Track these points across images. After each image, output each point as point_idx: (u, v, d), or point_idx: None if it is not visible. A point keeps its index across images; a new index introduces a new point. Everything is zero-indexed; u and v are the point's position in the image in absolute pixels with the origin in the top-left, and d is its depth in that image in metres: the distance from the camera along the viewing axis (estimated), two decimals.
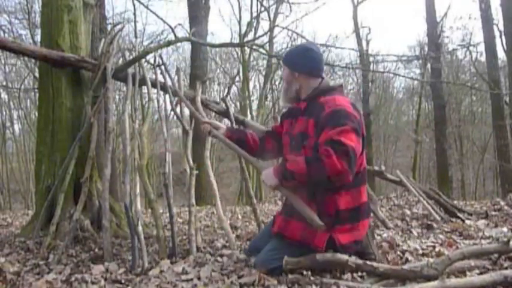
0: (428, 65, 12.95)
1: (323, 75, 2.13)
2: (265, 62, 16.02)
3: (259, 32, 14.02)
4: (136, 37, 12.99)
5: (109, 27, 6.85)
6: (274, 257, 1.96)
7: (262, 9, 13.26)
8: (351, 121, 1.87)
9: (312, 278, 1.87)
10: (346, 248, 1.93)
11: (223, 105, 3.60)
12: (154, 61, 3.80)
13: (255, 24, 13.99)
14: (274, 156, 2.43)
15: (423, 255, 2.29)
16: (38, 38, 9.07)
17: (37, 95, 8.03)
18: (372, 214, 3.56)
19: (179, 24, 15.26)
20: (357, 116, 1.91)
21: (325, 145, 1.82)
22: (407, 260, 2.18)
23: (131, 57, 3.59)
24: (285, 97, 2.21)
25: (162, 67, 3.64)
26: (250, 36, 13.70)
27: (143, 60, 3.54)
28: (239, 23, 14.90)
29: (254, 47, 7.86)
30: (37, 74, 7.78)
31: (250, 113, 14.39)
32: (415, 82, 15.61)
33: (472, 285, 1.67)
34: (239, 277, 1.95)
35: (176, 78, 3.64)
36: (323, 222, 1.84)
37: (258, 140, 2.36)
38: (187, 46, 14.90)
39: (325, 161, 1.79)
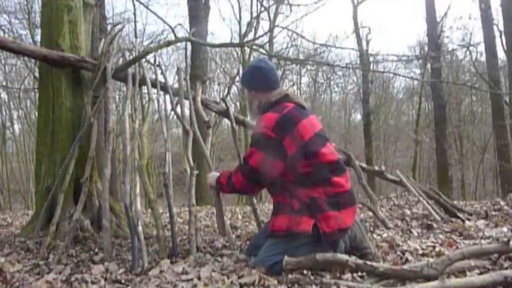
0: (428, 65, 12.96)
1: (273, 87, 2.27)
2: None
3: (259, 32, 14.04)
4: (136, 37, 13.02)
5: (109, 27, 6.85)
6: (270, 254, 2.04)
7: (262, 9, 13.27)
8: (261, 143, 2.10)
9: (312, 277, 1.88)
10: (329, 235, 2.02)
11: (223, 105, 3.60)
12: (154, 61, 3.80)
13: (255, 24, 13.99)
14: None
15: (423, 255, 2.29)
16: (38, 38, 9.08)
17: (37, 95, 8.03)
18: (371, 214, 3.57)
19: (179, 24, 15.31)
20: (273, 137, 2.07)
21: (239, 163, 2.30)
22: (407, 260, 2.18)
23: (131, 57, 3.59)
24: (251, 114, 2.50)
25: (162, 67, 3.64)
26: (250, 36, 13.71)
27: (143, 60, 3.54)
28: (239, 23, 14.92)
29: (254, 47, 7.86)
30: (37, 74, 7.78)
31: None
32: (415, 82, 15.64)
33: (472, 285, 1.66)
34: (239, 277, 1.95)
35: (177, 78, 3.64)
36: (299, 210, 2.03)
37: None
38: (187, 46, 14.89)
39: (233, 180, 2.23)
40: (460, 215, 3.60)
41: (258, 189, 2.35)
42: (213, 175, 2.43)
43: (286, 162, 2.07)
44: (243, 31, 14.23)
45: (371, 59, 14.50)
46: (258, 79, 2.28)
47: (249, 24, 13.89)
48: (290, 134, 2.08)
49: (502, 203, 4.19)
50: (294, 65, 15.82)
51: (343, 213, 2.07)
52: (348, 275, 1.90)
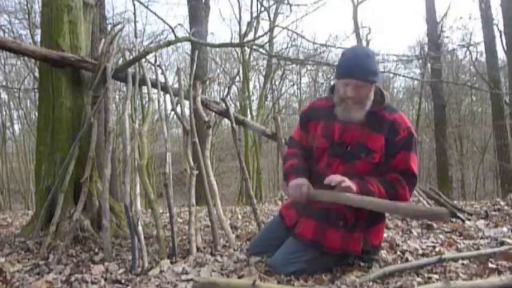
0: (428, 65, 12.95)
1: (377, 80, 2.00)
2: (265, 62, 16.02)
3: (259, 32, 14.03)
4: (136, 37, 13.00)
5: (109, 27, 6.85)
6: (296, 260, 1.96)
7: (262, 9, 13.27)
8: (416, 146, 1.96)
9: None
10: (376, 247, 2.03)
11: (223, 105, 3.60)
12: (155, 61, 3.80)
13: (255, 24, 13.99)
14: None
15: (423, 255, 2.29)
16: (38, 38, 9.06)
17: (37, 95, 8.03)
18: None
19: (179, 24, 15.27)
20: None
21: (401, 174, 1.92)
22: (407, 260, 2.18)
23: (131, 57, 3.59)
24: (363, 110, 1.99)
25: (163, 67, 3.64)
26: (250, 36, 13.70)
27: (143, 60, 3.54)
28: (239, 23, 14.89)
29: (254, 47, 7.85)
30: (37, 74, 7.78)
31: (250, 113, 14.39)
32: (415, 82, 15.61)
33: None
34: (239, 277, 1.95)
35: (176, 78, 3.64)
36: (361, 226, 1.92)
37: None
38: (187, 46, 14.91)
39: (399, 192, 1.91)
40: (460, 215, 3.60)
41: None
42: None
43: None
44: (243, 31, 14.21)
45: None
46: (376, 68, 2.00)
47: (249, 24, 13.88)
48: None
49: (502, 203, 4.18)
50: (294, 65, 15.82)
51: (384, 224, 2.10)
52: (347, 276, 1.89)
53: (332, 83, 2.19)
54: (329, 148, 2.02)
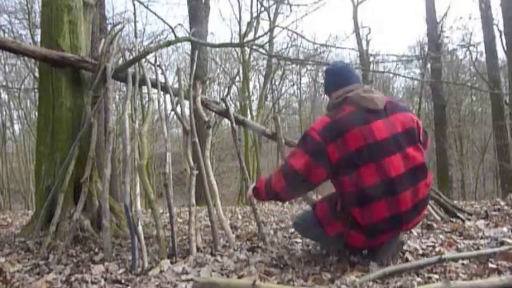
0: (428, 65, 12.95)
1: (341, 87, 2.12)
2: (265, 62, 16.03)
3: (259, 32, 14.05)
4: (136, 37, 13.01)
5: (109, 27, 6.85)
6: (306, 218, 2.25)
7: (262, 9, 13.28)
8: (305, 144, 2.01)
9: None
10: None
11: (223, 105, 3.60)
12: (155, 61, 3.80)
13: (255, 24, 14.00)
14: None
15: (423, 255, 2.29)
16: (38, 38, 9.07)
17: (37, 95, 8.03)
18: None
19: (179, 24, 15.30)
20: (318, 140, 1.96)
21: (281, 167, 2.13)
22: (407, 260, 2.18)
23: (131, 57, 3.59)
24: None
25: (163, 67, 3.64)
26: (250, 36, 13.70)
27: (143, 60, 3.54)
28: (239, 23, 14.90)
29: (254, 47, 7.86)
30: (37, 74, 7.78)
31: (250, 113, 14.39)
32: (415, 82, 15.62)
33: None
34: (239, 277, 1.95)
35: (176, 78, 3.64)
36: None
37: None
38: (187, 46, 14.91)
39: (272, 181, 2.10)
40: (460, 215, 3.60)
41: (295, 196, 2.31)
42: (252, 186, 2.34)
43: (329, 169, 1.96)
44: (243, 31, 14.22)
45: (371, 59, 14.51)
46: (325, 83, 2.27)
47: (249, 24, 13.89)
48: (337, 140, 1.93)
49: (502, 203, 4.18)
50: (294, 65, 15.83)
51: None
52: (347, 276, 1.89)
53: (350, 92, 2.22)
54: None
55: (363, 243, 2.07)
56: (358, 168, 1.92)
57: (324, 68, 2.29)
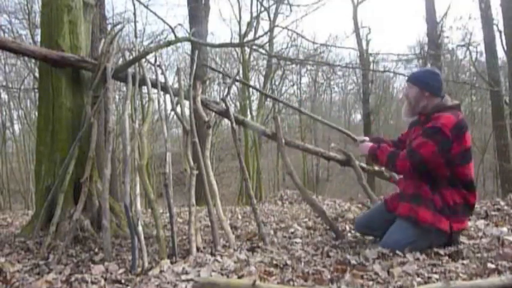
0: (429, 65, 12.95)
1: (443, 94, 2.56)
2: (265, 62, 16.04)
3: (259, 32, 14.04)
4: (136, 37, 13.00)
5: (109, 27, 6.85)
6: (403, 238, 2.36)
7: (262, 9, 13.27)
8: (437, 137, 2.36)
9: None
10: (458, 233, 2.45)
11: (223, 105, 3.60)
12: (155, 61, 3.80)
13: (255, 24, 13.99)
14: None
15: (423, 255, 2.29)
16: (38, 38, 9.07)
17: (37, 95, 8.03)
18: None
19: (179, 24, 15.28)
20: (449, 136, 2.35)
21: (407, 151, 2.48)
22: (403, 263, 2.17)
23: (131, 57, 3.59)
24: (410, 111, 2.66)
25: (163, 67, 3.64)
26: (250, 36, 13.70)
27: (143, 60, 3.54)
28: (239, 23, 14.88)
29: (254, 47, 7.87)
30: (37, 74, 7.78)
31: (250, 113, 14.40)
32: None
33: None
34: (239, 277, 1.95)
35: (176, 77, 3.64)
36: (441, 210, 2.36)
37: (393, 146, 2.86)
38: (187, 46, 14.91)
39: (397, 163, 2.51)
40: None
41: (410, 176, 2.53)
42: (366, 145, 2.79)
43: (446, 160, 2.37)
44: (243, 31, 14.22)
45: (371, 58, 14.53)
46: (436, 83, 2.55)
47: (249, 24, 13.89)
48: (460, 138, 2.38)
49: (502, 203, 4.17)
50: (294, 65, 15.84)
51: (467, 220, 2.53)
52: (347, 276, 1.89)
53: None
54: None
55: (465, 224, 2.51)
56: (468, 162, 2.47)
57: (434, 70, 2.70)
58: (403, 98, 2.72)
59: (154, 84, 3.44)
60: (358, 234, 2.96)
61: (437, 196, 2.38)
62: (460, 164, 2.42)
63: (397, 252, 2.28)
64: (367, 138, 2.99)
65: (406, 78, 2.78)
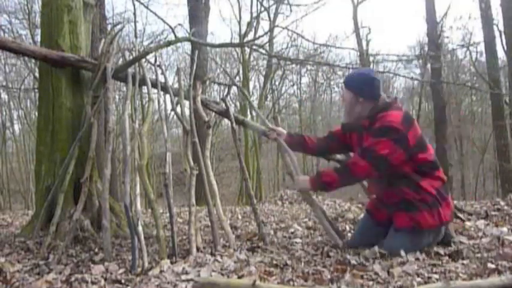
0: (428, 65, 12.95)
1: (380, 94, 2.51)
2: (265, 62, 16.03)
3: (259, 32, 14.05)
4: (136, 37, 13.02)
5: (109, 27, 6.85)
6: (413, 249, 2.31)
7: (262, 9, 13.28)
8: (390, 135, 2.32)
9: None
10: (446, 223, 2.42)
11: (223, 105, 3.60)
12: (155, 61, 3.80)
13: (255, 24, 14.00)
14: (336, 154, 3.13)
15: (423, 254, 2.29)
16: (38, 38, 9.07)
17: (37, 95, 8.03)
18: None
19: (179, 24, 15.27)
20: (402, 130, 2.33)
21: (359, 153, 2.43)
22: (403, 263, 2.17)
23: (131, 57, 3.59)
24: (347, 116, 2.63)
25: (163, 67, 3.64)
26: (250, 36, 13.71)
27: (143, 60, 3.54)
28: (239, 23, 14.90)
29: (254, 47, 7.86)
30: (37, 74, 7.78)
31: (250, 113, 14.39)
32: (415, 82, 15.62)
33: None
34: (239, 277, 1.95)
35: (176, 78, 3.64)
36: (432, 203, 2.33)
37: (316, 142, 2.84)
38: (187, 46, 14.90)
39: (351, 169, 2.42)
40: (460, 215, 3.59)
41: (378, 177, 2.47)
42: (303, 179, 2.63)
43: (407, 153, 2.34)
44: (243, 31, 14.22)
45: (371, 59, 14.52)
46: (372, 89, 2.49)
47: (249, 24, 13.89)
48: (412, 128, 2.37)
49: (502, 203, 4.18)
50: (294, 65, 15.83)
51: (451, 199, 2.50)
52: (347, 276, 1.89)
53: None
54: None
55: (451, 203, 2.49)
56: (426, 147, 2.44)
57: (369, 73, 2.62)
58: (342, 103, 2.74)
59: (154, 84, 3.44)
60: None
61: (421, 192, 2.35)
62: (420, 152, 2.40)
63: (402, 253, 2.26)
64: (283, 131, 2.91)
65: (343, 80, 2.75)
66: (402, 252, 2.26)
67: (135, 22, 13.09)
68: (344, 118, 2.69)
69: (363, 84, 2.50)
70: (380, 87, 2.52)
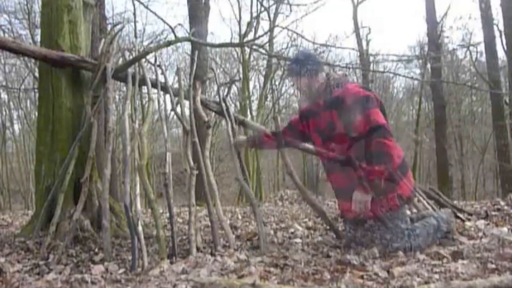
0: (429, 65, 12.95)
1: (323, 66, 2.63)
2: (265, 62, 16.02)
3: (259, 32, 14.03)
4: (136, 37, 13.01)
5: (109, 27, 6.85)
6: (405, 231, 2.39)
7: (262, 9, 13.28)
8: (369, 104, 2.36)
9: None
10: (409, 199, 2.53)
11: (223, 105, 3.60)
12: (155, 61, 3.80)
13: (255, 24, 13.99)
14: (294, 144, 3.00)
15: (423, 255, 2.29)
16: (38, 38, 9.06)
17: (37, 95, 8.03)
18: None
19: (179, 24, 15.28)
20: (370, 95, 2.40)
21: (373, 134, 2.32)
22: (403, 263, 2.17)
23: (131, 57, 3.59)
24: (311, 97, 2.64)
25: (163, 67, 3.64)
26: (250, 36, 13.70)
27: (143, 60, 3.54)
28: (239, 23, 14.89)
29: (254, 47, 7.86)
30: (37, 74, 7.77)
31: (250, 113, 14.40)
32: (415, 82, 15.63)
33: None
34: (239, 277, 1.95)
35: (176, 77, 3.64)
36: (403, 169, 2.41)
37: (273, 136, 2.93)
38: (187, 46, 14.90)
39: (386, 151, 2.31)
40: (460, 215, 3.60)
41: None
42: (360, 193, 2.39)
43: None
44: (243, 31, 14.22)
45: (371, 59, 14.51)
46: (315, 62, 2.63)
47: (249, 24, 13.89)
48: (374, 97, 2.44)
49: (502, 203, 4.18)
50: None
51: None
52: (347, 276, 1.89)
53: (335, 75, 2.62)
54: (320, 139, 2.70)
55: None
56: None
57: (303, 53, 2.92)
58: (297, 92, 2.82)
59: (154, 84, 3.44)
60: None
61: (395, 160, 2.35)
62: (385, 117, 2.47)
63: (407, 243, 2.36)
64: (243, 139, 3.18)
65: (287, 74, 2.89)
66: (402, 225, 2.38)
67: (135, 22, 13.08)
68: (309, 102, 2.69)
69: (305, 64, 2.61)
70: (318, 58, 2.67)
